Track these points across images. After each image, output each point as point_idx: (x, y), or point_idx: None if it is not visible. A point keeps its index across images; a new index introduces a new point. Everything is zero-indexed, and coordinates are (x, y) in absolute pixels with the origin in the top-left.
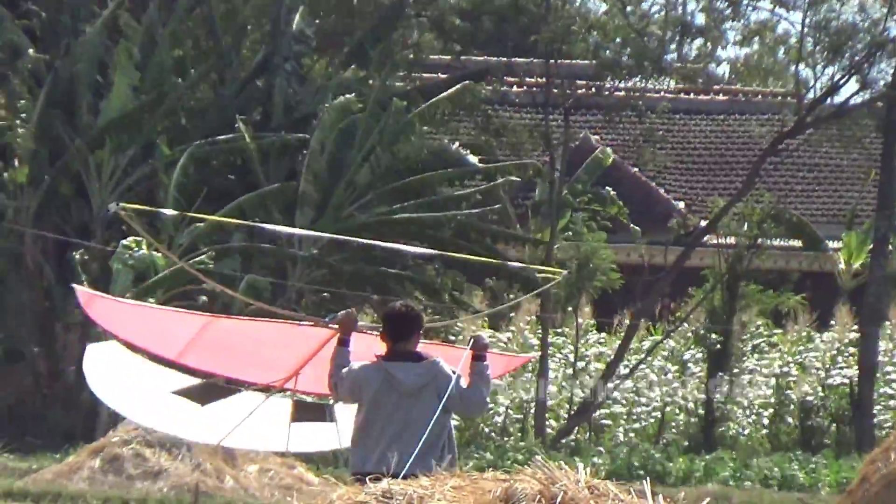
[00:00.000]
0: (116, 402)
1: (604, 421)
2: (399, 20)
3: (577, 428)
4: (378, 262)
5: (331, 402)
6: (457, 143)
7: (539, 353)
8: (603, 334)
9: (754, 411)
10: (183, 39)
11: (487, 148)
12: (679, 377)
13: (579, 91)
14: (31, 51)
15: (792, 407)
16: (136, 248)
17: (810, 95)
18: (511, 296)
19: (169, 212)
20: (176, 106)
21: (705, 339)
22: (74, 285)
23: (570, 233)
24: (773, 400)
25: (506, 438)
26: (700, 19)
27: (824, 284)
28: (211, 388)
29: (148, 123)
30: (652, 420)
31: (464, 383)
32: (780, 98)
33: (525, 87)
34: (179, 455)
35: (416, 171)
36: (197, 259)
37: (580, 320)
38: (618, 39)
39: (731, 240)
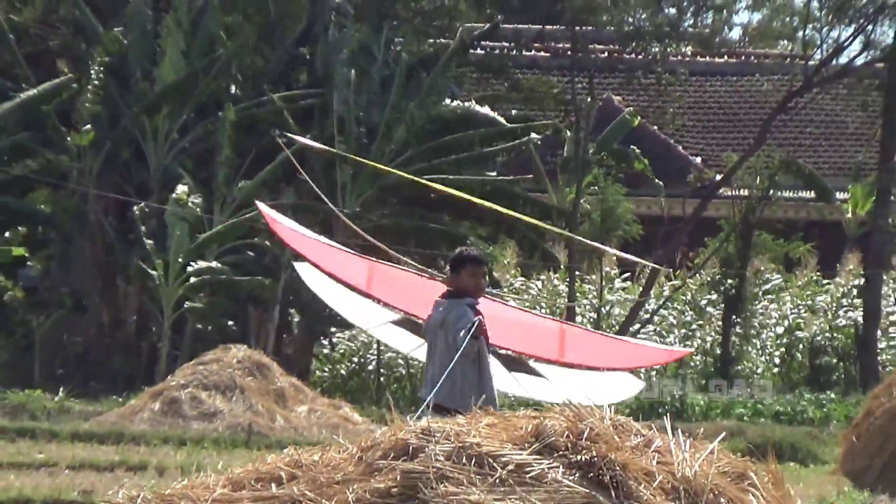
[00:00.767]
0: (334, 301)
1: None
2: None
3: None
4: (417, 218)
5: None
6: (485, 106)
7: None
8: (627, 282)
9: (767, 351)
10: (231, 9)
11: (515, 108)
12: (697, 320)
13: (602, 56)
14: (96, 23)
15: (801, 347)
16: (184, 201)
17: (817, 56)
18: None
19: (321, 146)
20: (226, 71)
21: (721, 285)
22: (257, 202)
23: (595, 187)
24: (784, 341)
25: None
26: None
27: (831, 233)
28: (413, 324)
29: (199, 88)
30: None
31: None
32: (788, 59)
33: (551, 53)
34: (233, 397)
35: (450, 131)
36: (249, 216)
37: (605, 268)
38: (640, 11)
39: (745, 192)
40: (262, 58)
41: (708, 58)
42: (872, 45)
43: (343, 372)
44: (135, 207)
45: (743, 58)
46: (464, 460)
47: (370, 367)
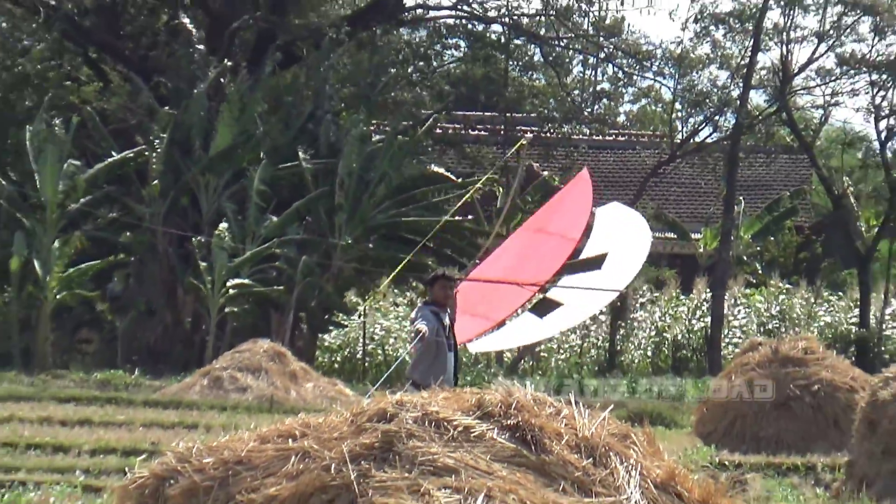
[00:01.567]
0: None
1: (542, 354)
2: (405, 87)
3: (523, 359)
4: (393, 250)
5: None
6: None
7: None
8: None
9: (642, 347)
10: (263, 100)
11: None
12: (592, 324)
13: (526, 135)
14: (162, 108)
15: (667, 344)
16: (225, 236)
17: (680, 136)
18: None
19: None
20: (258, 144)
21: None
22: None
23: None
24: (654, 340)
25: (479, 366)
26: (606, 86)
27: (688, 263)
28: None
29: (239, 156)
30: (575, 352)
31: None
32: (659, 138)
33: (489, 132)
34: (260, 376)
35: (416, 187)
36: (269, 245)
37: None
38: (552, 101)
39: None
40: (281, 134)
41: (601, 136)
42: (719, 128)
43: (338, 358)
44: (192, 240)
45: (626, 136)
46: (426, 423)
47: (358, 356)
